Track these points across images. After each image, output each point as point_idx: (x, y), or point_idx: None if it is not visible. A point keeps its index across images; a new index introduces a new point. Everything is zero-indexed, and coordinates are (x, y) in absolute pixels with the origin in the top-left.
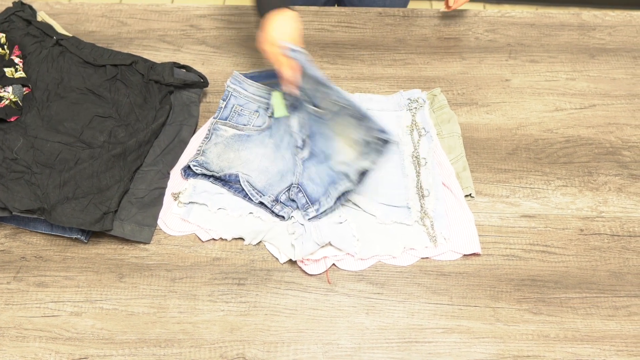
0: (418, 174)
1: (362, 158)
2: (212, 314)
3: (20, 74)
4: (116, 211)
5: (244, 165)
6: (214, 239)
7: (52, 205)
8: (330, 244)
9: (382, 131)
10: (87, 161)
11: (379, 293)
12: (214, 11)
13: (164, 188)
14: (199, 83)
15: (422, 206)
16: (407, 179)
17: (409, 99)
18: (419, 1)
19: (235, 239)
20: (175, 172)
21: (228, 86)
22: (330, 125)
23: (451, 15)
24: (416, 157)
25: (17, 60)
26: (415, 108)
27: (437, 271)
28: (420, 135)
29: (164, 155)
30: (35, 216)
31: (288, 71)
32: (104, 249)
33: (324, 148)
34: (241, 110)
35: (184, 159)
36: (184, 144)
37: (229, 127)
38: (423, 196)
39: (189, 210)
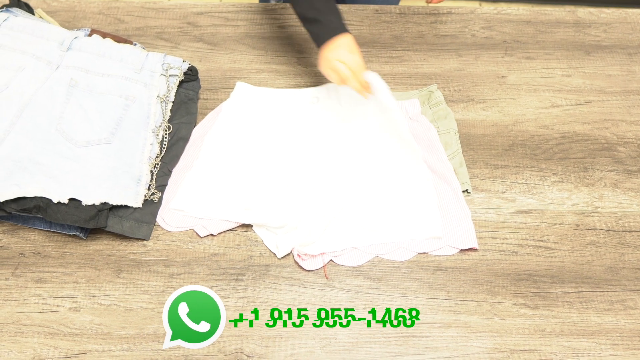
0: None
1: None
2: None
3: None
4: (111, 209)
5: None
6: (212, 235)
7: (47, 203)
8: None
9: None
10: None
11: (376, 288)
12: (211, 8)
13: (165, 185)
14: (190, 76)
15: None
16: None
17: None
18: None
19: (226, 232)
20: (176, 170)
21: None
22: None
23: (447, 13)
24: None
25: None
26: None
27: (434, 266)
28: None
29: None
30: (32, 214)
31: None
32: (102, 245)
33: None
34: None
35: (184, 156)
36: (183, 141)
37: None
38: None
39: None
